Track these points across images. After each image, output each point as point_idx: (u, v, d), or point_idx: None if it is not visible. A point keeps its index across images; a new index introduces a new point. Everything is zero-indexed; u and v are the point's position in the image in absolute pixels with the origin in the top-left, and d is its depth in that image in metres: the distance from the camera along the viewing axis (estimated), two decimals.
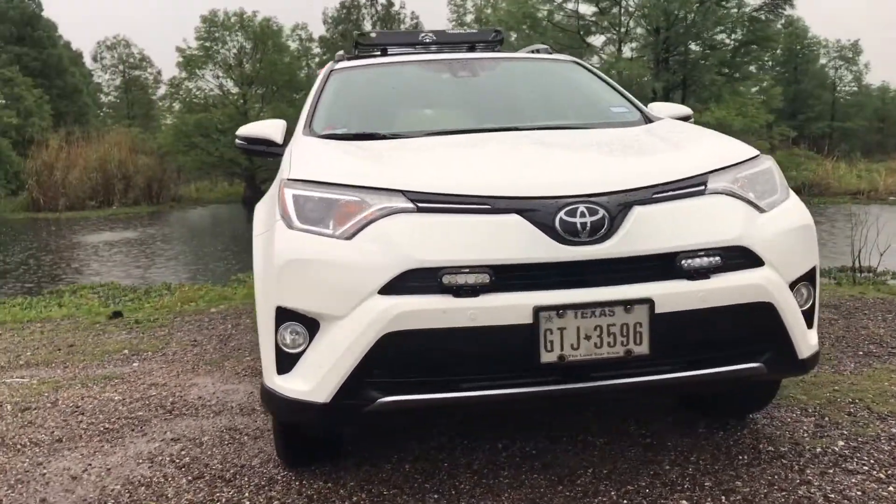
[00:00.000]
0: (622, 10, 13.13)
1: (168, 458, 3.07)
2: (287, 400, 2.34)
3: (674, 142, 2.89)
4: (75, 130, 34.63)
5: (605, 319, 2.18)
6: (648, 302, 2.19)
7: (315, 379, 2.27)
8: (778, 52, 35.07)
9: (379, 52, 4.53)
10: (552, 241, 2.20)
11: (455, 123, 3.46)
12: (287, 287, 2.34)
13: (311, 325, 2.31)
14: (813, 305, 2.61)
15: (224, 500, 2.67)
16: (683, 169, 2.45)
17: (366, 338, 2.18)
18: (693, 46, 13.26)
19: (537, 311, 2.14)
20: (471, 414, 3.10)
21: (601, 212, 2.23)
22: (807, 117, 40.49)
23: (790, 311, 2.40)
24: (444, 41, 4.71)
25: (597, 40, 13.79)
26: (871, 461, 2.72)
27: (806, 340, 2.49)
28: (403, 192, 2.32)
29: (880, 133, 46.46)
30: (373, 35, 4.79)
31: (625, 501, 2.50)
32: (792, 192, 2.69)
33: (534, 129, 3.18)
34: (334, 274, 2.26)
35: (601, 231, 2.22)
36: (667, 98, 14.19)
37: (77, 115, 52.85)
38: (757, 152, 2.75)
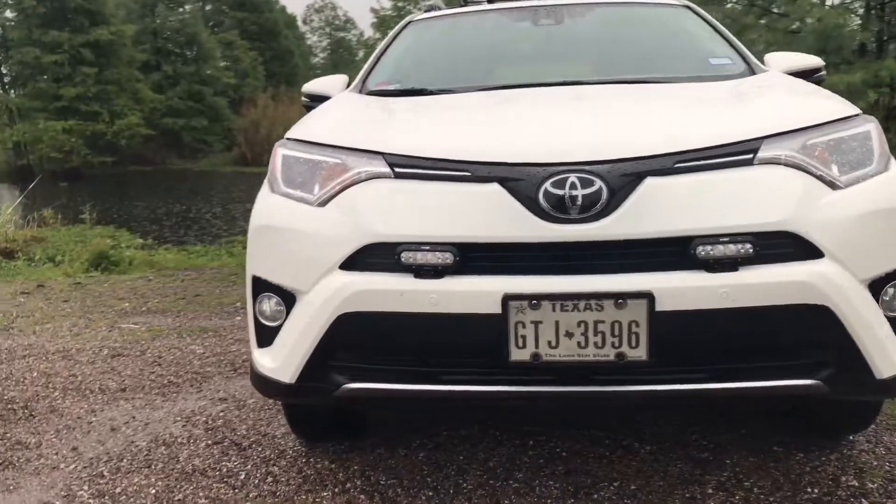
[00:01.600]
0: None
1: (203, 419, 3.06)
2: (260, 376, 2.18)
3: (750, 98, 2.35)
4: (280, 90, 37.07)
5: (592, 315, 1.79)
6: (647, 296, 1.77)
7: (281, 357, 2.09)
8: None
9: (486, 1, 4.21)
10: (533, 218, 1.83)
11: (516, 77, 3.08)
12: (258, 255, 2.17)
13: (288, 299, 2.11)
14: None
15: (225, 469, 2.59)
16: (729, 132, 1.96)
17: (323, 317, 1.96)
18: None
19: (506, 299, 1.80)
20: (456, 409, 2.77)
21: (598, 183, 1.83)
22: None
23: (860, 316, 1.86)
24: None
25: None
26: None
27: (890, 356, 1.93)
28: (384, 155, 2.05)
29: None
30: None
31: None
32: (895, 165, 2.09)
33: (601, 83, 2.75)
34: (301, 244, 2.05)
35: (597, 207, 1.82)
36: (879, 54, 12.40)
37: (288, 75, 56.58)
38: (854, 111, 2.17)
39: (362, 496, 2.35)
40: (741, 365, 1.89)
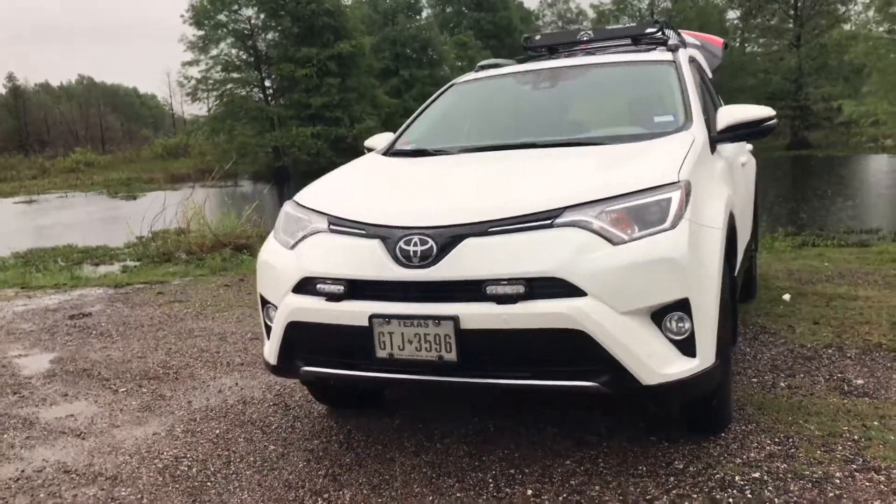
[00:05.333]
0: None
1: (279, 388, 4.28)
2: (263, 358, 3.33)
3: (608, 166, 3.05)
4: None
5: (422, 329, 2.70)
6: (454, 318, 2.64)
7: (269, 347, 3.22)
8: None
9: (546, 52, 5.06)
10: (392, 263, 2.77)
11: (492, 139, 3.92)
12: (261, 280, 3.31)
13: (275, 309, 3.23)
14: (691, 336, 2.68)
15: (267, 421, 3.77)
16: (541, 202, 2.74)
17: (281, 322, 3.05)
18: None
19: (371, 317, 2.77)
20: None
21: (430, 242, 2.72)
22: None
23: (615, 339, 2.56)
24: (601, 37, 4.97)
25: None
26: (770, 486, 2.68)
27: (653, 367, 2.61)
28: (326, 216, 3.09)
29: None
30: (537, 38, 5.26)
31: (479, 473, 2.96)
32: (685, 223, 2.71)
33: (545, 145, 3.56)
34: (276, 274, 3.15)
35: (429, 258, 2.72)
36: None
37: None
38: (669, 180, 2.82)
39: (335, 445, 3.42)
40: (537, 368, 2.69)
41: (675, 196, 2.76)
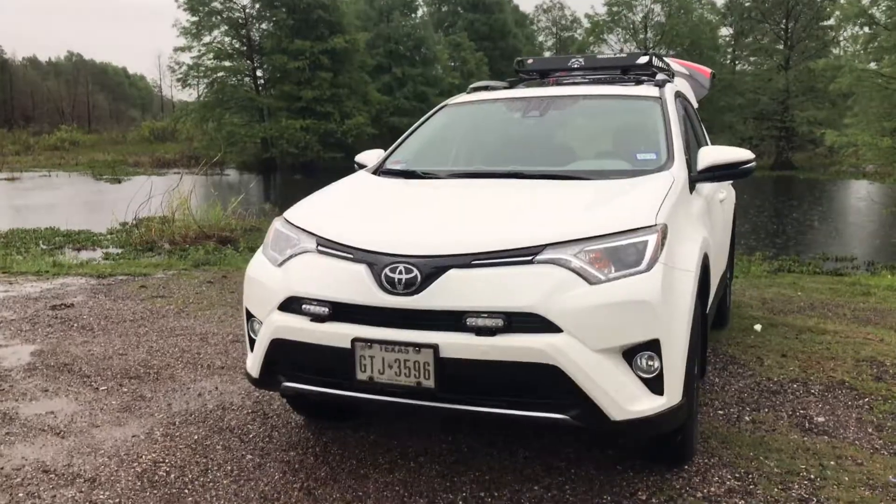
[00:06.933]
0: None
1: (258, 395, 4.36)
2: (245, 370, 3.41)
3: (590, 203, 3.16)
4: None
5: (402, 355, 2.80)
6: (434, 347, 2.74)
7: (252, 360, 3.30)
8: None
9: (537, 76, 5.17)
10: (377, 289, 2.86)
11: (480, 164, 4.04)
12: (246, 294, 3.39)
13: (260, 324, 3.31)
14: (660, 374, 2.79)
15: (246, 429, 3.85)
16: (523, 239, 2.84)
17: (265, 338, 3.13)
18: None
19: (354, 340, 2.86)
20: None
21: (415, 272, 2.82)
22: None
23: (587, 375, 2.67)
24: (591, 66, 5.08)
25: None
26: None
27: (622, 404, 2.72)
28: (315, 236, 3.18)
29: None
30: (530, 61, 5.36)
31: (450, 495, 3.07)
32: (659, 267, 2.82)
33: (529, 176, 3.66)
34: (263, 291, 3.23)
35: (413, 287, 2.81)
36: None
37: (513, 74, 58.68)
38: (647, 223, 2.92)
39: (311, 458, 3.50)
40: (511, 399, 2.79)
41: (652, 239, 2.87)
